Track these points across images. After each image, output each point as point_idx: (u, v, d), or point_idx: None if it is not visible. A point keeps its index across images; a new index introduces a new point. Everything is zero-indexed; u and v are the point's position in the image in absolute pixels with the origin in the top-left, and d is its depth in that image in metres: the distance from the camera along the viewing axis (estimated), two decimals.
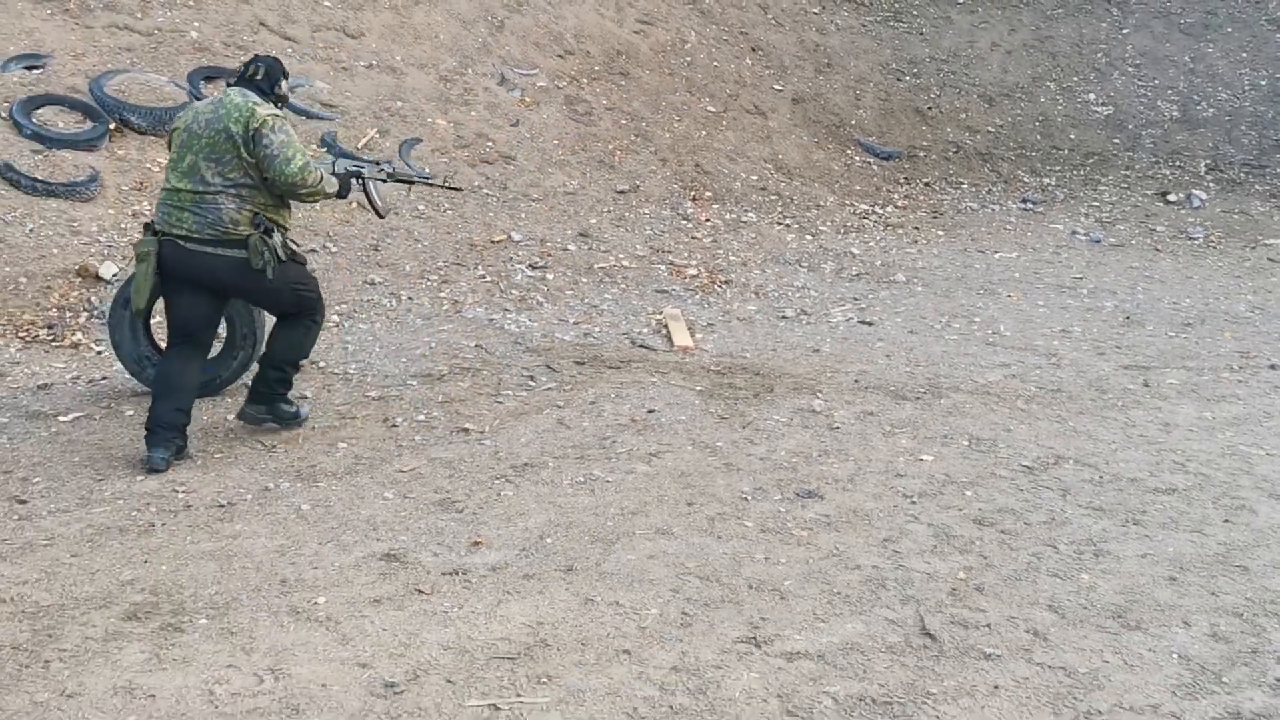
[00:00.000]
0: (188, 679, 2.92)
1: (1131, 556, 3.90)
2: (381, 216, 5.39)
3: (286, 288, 4.66)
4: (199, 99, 8.26)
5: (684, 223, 9.46)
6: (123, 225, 7.21)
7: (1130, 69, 13.90)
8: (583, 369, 6.04)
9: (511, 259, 8.05)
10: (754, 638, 3.26)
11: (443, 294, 7.33)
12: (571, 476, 4.49)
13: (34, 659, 3.02)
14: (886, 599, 3.54)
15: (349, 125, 8.85)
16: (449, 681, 2.96)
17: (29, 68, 8.03)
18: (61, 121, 7.69)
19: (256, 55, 4.88)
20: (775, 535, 4.00)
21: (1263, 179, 12.12)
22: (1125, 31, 14.46)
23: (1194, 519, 4.26)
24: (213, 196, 4.40)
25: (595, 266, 8.21)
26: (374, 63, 9.71)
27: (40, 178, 7.15)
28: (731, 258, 8.86)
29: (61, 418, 5.02)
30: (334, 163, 5.03)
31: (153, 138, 8.00)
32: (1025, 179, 12.17)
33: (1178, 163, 12.46)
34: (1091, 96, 13.52)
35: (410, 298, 7.20)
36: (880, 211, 10.80)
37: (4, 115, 7.51)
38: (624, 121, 10.73)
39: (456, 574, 3.59)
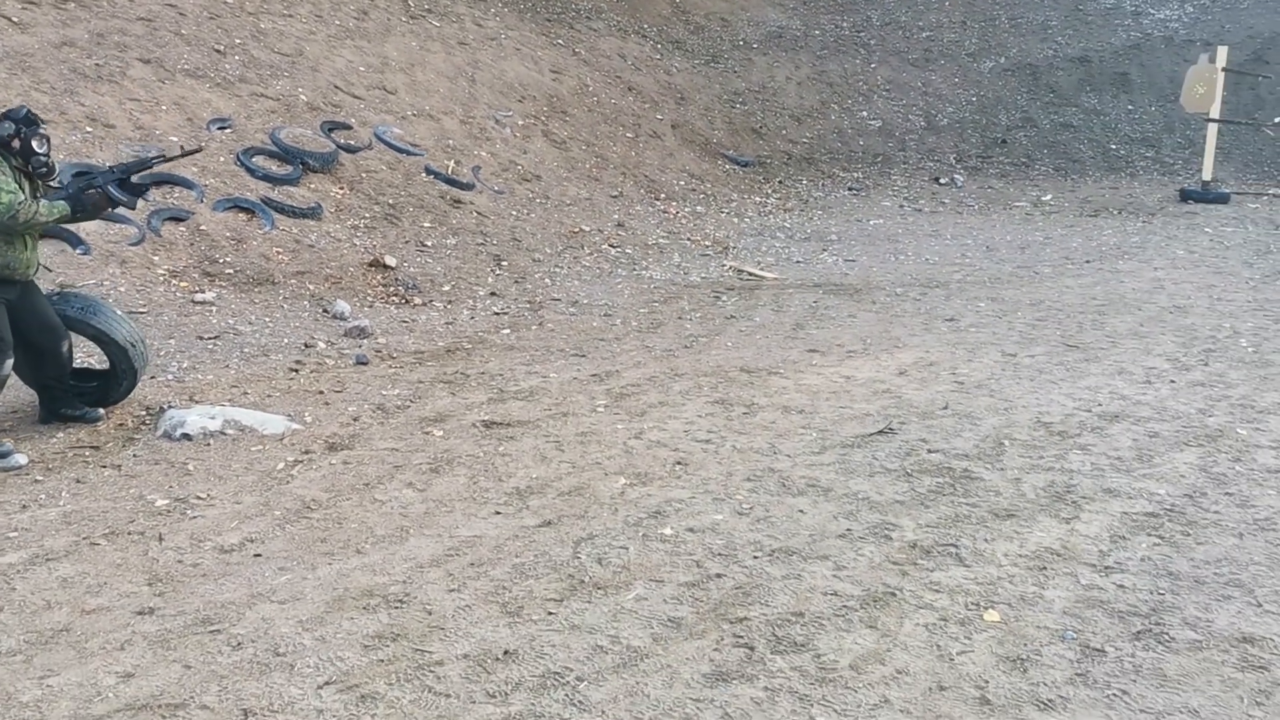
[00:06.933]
0: (831, 378, 6.42)
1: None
2: (132, 209, 6.03)
3: None
4: (336, 144, 11.05)
5: (666, 215, 13.16)
6: (351, 237, 10.00)
7: (884, 93, 18.98)
8: (737, 292, 9.67)
9: (596, 242, 11.45)
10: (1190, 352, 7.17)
11: (585, 263, 10.66)
12: (843, 315, 8.19)
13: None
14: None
15: (433, 158, 11.86)
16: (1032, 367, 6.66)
17: (221, 128, 10.52)
18: (272, 165, 10.29)
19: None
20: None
21: (992, 165, 17.37)
22: (873, 65, 19.58)
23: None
24: None
25: (648, 243, 11.77)
26: (417, 113, 12.70)
27: (293, 205, 9.81)
28: (717, 234, 12.66)
29: (503, 331, 8.08)
30: (66, 186, 5.54)
31: (323, 174, 10.71)
32: (841, 174, 16.76)
33: (935, 158, 17.50)
34: (865, 114, 18.43)
35: (567, 266, 10.48)
36: (768, 201, 14.95)
37: (234, 163, 10.04)
38: (584, 147, 14.24)
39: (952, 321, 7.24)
